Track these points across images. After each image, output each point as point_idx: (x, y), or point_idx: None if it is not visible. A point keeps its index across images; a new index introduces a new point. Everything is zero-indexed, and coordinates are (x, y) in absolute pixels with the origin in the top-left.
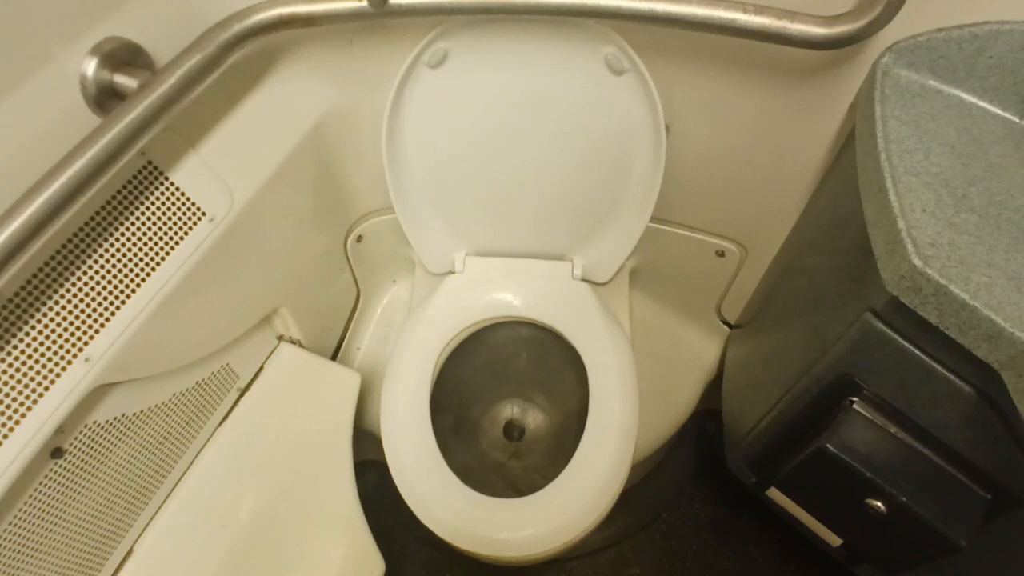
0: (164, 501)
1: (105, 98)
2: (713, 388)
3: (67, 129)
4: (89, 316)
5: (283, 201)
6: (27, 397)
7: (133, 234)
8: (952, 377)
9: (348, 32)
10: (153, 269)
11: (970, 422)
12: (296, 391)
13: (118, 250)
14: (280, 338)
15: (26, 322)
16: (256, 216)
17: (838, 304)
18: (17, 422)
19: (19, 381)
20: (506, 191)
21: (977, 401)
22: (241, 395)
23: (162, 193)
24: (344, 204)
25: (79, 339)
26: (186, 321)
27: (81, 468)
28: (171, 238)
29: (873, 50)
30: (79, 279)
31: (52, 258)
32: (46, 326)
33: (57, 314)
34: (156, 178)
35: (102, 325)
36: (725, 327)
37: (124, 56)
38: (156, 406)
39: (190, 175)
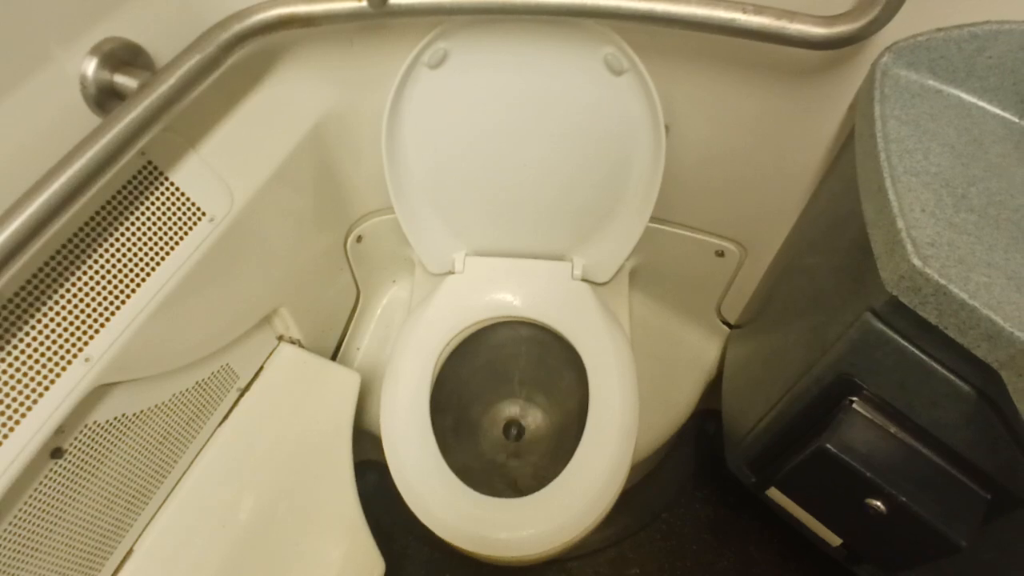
0: (164, 501)
1: (105, 98)
2: (713, 388)
3: (67, 129)
4: (89, 316)
5: (283, 201)
6: (27, 397)
7: (133, 234)
8: (952, 377)
9: (348, 32)
10: (153, 269)
11: (970, 422)
12: (296, 391)
13: (118, 250)
14: (280, 338)
15: (26, 322)
16: (256, 216)
17: (838, 304)
18: (17, 422)
19: (19, 381)
20: (506, 191)
21: (977, 401)
22: (241, 395)
23: (162, 193)
24: (344, 204)
25: (79, 339)
26: (186, 321)
27: (81, 468)
28: (171, 238)
29: (873, 50)
30: (79, 279)
31: (52, 258)
32: (46, 326)
33: (57, 314)
34: (156, 178)
35: (102, 325)
36: (725, 327)
37: (124, 56)
38: (156, 406)
39: (190, 175)
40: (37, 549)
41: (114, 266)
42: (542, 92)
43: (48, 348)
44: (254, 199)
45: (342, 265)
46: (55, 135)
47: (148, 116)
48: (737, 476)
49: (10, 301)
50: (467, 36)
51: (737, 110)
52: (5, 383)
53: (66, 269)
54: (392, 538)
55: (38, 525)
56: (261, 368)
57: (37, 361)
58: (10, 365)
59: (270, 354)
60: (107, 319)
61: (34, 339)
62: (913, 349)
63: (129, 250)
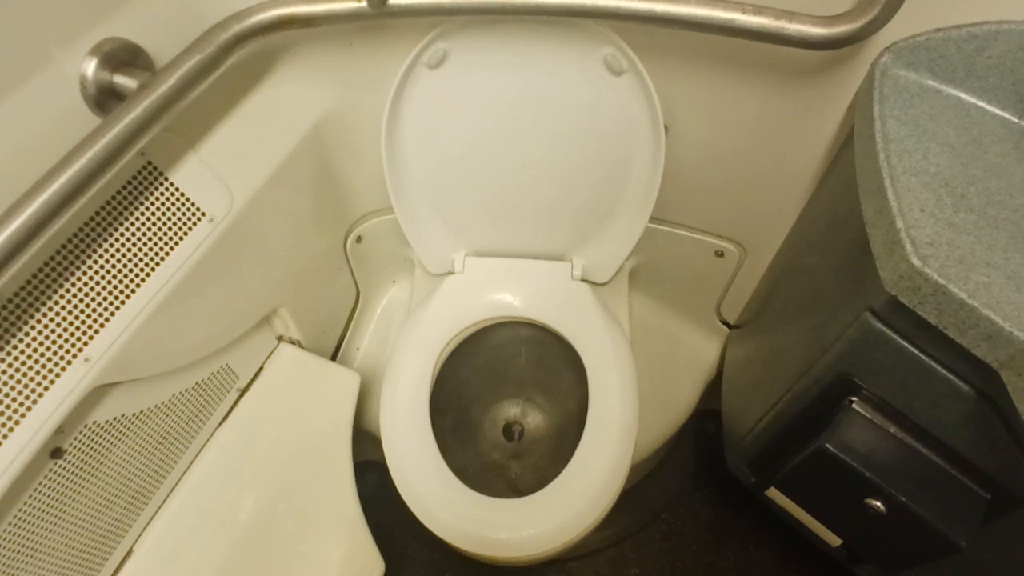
0: (164, 501)
1: (105, 98)
2: (713, 388)
3: (67, 129)
4: (89, 316)
5: (283, 201)
6: (27, 397)
7: (133, 234)
8: (951, 377)
9: (348, 33)
10: (153, 269)
11: (969, 422)
12: (296, 391)
13: (118, 250)
14: (280, 338)
15: (26, 322)
16: (256, 216)
17: (837, 304)
18: (17, 422)
19: (19, 381)
20: (506, 191)
21: (976, 400)
22: (241, 395)
23: (162, 193)
24: (344, 204)
25: (79, 339)
26: (186, 321)
27: (81, 468)
28: (171, 238)
29: (872, 50)
30: (79, 279)
31: (52, 258)
32: (46, 326)
33: (57, 314)
34: (156, 178)
35: (102, 325)
36: (725, 327)
37: (124, 57)
38: (156, 406)
39: (190, 175)
40: (37, 549)
41: (114, 266)
42: (542, 92)
43: (48, 348)
44: (254, 199)
45: (342, 265)
46: (55, 135)
47: (148, 116)
48: (737, 476)
49: (10, 301)
50: (467, 36)
51: (736, 110)
52: (5, 383)
53: (66, 269)
54: (392, 538)
55: (38, 525)
56: (261, 368)
57: (37, 361)
58: (10, 365)
59: (270, 354)
60: (107, 319)
61: (34, 339)
62: (912, 349)
63: (129, 250)
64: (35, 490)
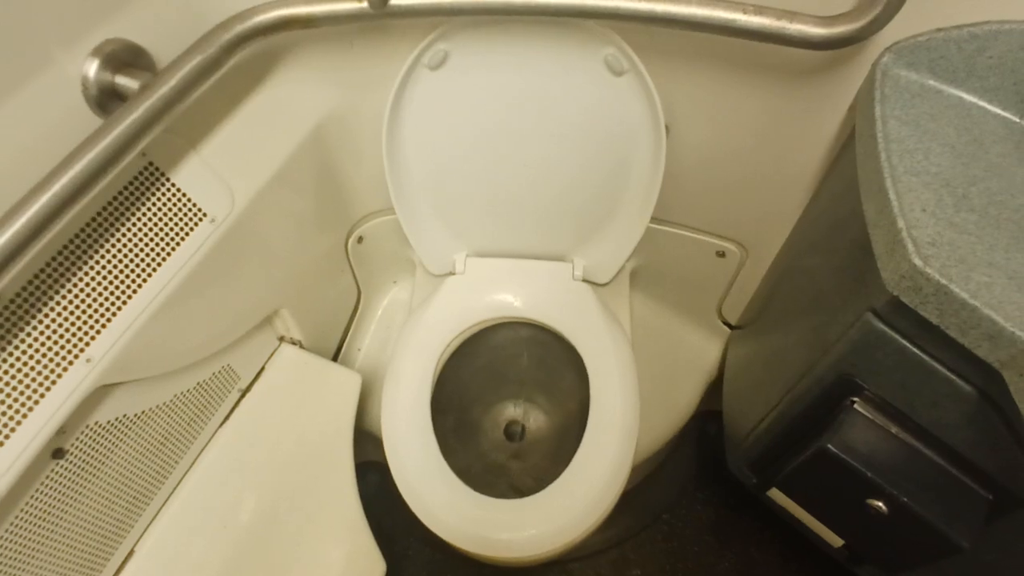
0: (165, 502)
1: (106, 99)
2: (714, 389)
3: (68, 130)
4: (90, 317)
5: (284, 202)
6: (28, 398)
7: (134, 235)
8: (953, 377)
9: (349, 33)
10: (154, 270)
11: (971, 422)
12: (297, 392)
13: (119, 251)
14: (281, 339)
15: (28, 323)
16: (257, 217)
17: (838, 304)
18: (19, 423)
19: (20, 382)
20: (506, 192)
21: (978, 401)
22: (242, 396)
23: (163, 194)
24: (345, 205)
25: (80, 340)
26: (187, 322)
27: (82, 469)
28: (172, 239)
29: (873, 50)
30: (80, 280)
31: (54, 259)
32: (48, 327)
33: (59, 315)
34: (157, 179)
35: (103, 326)
36: (726, 328)
37: (125, 57)
38: (157, 407)
39: (191, 176)
40: (38, 550)
41: (115, 267)
42: (542, 93)
43: (50, 349)
44: (255, 200)
45: (343, 266)
46: (57, 136)
47: (149, 117)
48: (738, 477)
49: (12, 302)
50: (467, 37)
51: (737, 111)
52: (7, 384)
53: (67, 270)
54: (393, 539)
55: (39, 526)
56: (262, 369)
57: (39, 362)
58: (12, 366)
59: (271, 355)
60: (108, 320)
61: (36, 340)
62: (914, 349)
63: (130, 251)
64: (37, 491)
